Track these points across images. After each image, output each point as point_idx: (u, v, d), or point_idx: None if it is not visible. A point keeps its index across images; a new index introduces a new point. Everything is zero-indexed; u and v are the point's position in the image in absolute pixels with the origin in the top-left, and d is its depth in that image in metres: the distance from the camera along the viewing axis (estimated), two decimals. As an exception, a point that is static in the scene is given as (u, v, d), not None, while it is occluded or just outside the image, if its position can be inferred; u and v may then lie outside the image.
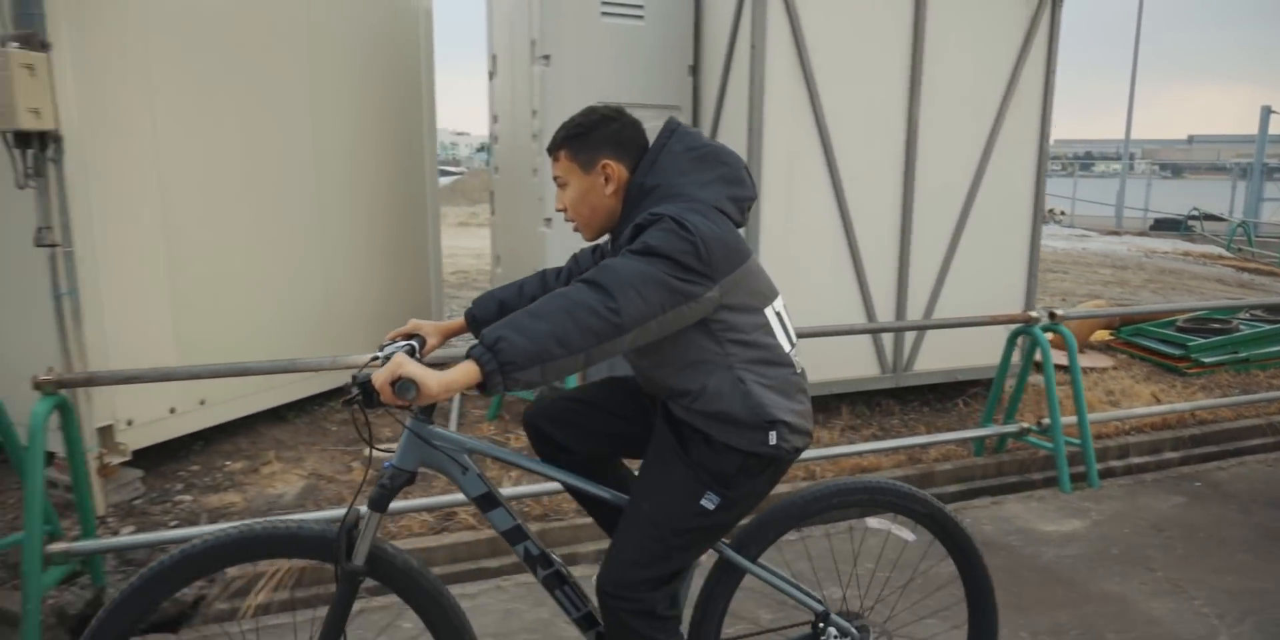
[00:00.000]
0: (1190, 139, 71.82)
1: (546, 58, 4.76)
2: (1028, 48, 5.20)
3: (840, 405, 5.26)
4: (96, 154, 3.63)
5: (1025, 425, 4.62)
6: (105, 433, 3.75)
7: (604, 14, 4.82)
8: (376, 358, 1.83)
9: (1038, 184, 5.45)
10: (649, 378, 1.90)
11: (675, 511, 1.83)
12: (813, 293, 4.89)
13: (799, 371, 1.91)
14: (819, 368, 4.95)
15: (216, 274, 4.28)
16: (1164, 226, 21.71)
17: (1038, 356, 4.58)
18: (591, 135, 1.86)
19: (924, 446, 4.69)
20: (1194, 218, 21.68)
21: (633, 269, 1.64)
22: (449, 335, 2.04)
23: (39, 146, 3.35)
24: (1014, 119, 5.26)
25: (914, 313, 5.21)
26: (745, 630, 2.28)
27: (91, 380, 3.20)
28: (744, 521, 2.04)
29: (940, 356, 5.30)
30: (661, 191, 1.83)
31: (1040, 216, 5.53)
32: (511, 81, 5.35)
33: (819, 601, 2.10)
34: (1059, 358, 5.31)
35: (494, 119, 5.71)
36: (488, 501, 1.89)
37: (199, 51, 4.12)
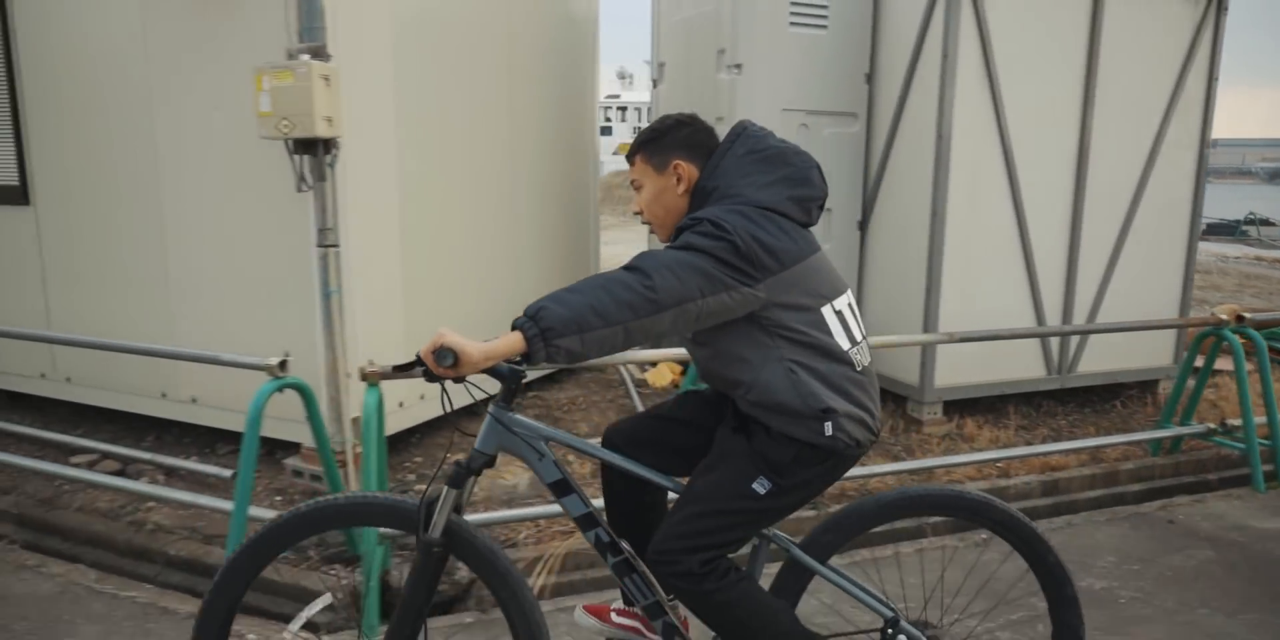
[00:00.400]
0: (1214, 143, 71.24)
1: (738, 66, 4.91)
2: (1194, 51, 5.29)
3: (1006, 406, 5.37)
4: (353, 159, 3.81)
5: (1210, 426, 4.72)
6: (354, 423, 3.93)
7: (792, 24, 4.96)
8: None
9: (1197, 190, 5.55)
10: (707, 369, 1.98)
11: (727, 490, 1.88)
12: (987, 294, 5.01)
13: (859, 369, 1.92)
14: (988, 368, 5.10)
15: (438, 272, 4.46)
16: (1217, 231, 21.59)
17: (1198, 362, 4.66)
18: (664, 139, 1.97)
19: (1104, 447, 4.80)
20: (1250, 222, 21.57)
21: (670, 256, 1.73)
22: None
23: (322, 152, 3.53)
24: (1178, 124, 5.37)
25: (1079, 316, 5.32)
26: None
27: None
28: (816, 524, 2.11)
29: (1103, 359, 5.40)
30: (720, 193, 1.90)
31: (1198, 223, 5.63)
32: (685, 88, 5.51)
33: (889, 608, 2.06)
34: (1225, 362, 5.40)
35: (658, 125, 5.86)
36: (562, 488, 1.96)
37: (431, 59, 4.30)
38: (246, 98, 3.67)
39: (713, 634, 2.00)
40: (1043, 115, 4.96)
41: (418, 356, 1.73)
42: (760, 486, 1.87)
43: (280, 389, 3.08)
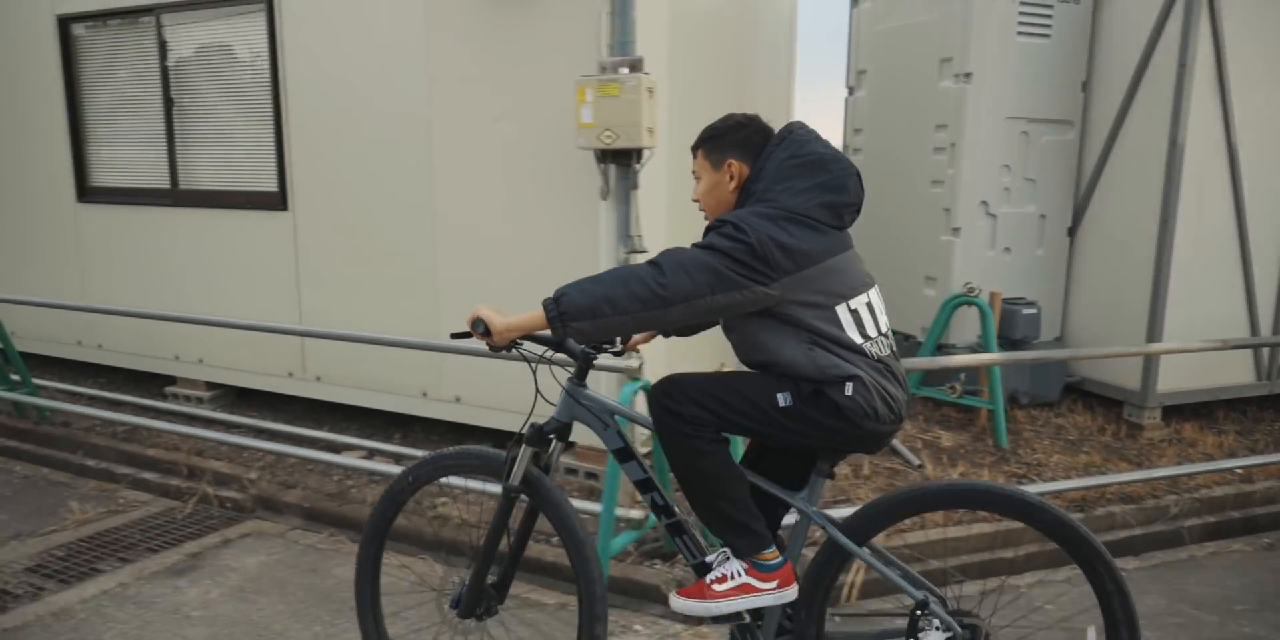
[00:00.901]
0: None
1: (967, 75, 4.98)
2: None
3: (1215, 411, 5.40)
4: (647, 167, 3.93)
5: None
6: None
7: (1020, 33, 5.03)
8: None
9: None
10: (738, 352, 2.14)
11: (757, 387, 2.05)
12: (1207, 301, 5.04)
13: (874, 358, 2.03)
14: (1204, 374, 5.13)
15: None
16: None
17: None
18: (723, 139, 2.13)
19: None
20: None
21: (689, 254, 1.90)
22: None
23: (634, 161, 3.65)
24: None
25: (1289, 323, 5.33)
26: (849, 612, 2.35)
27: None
28: (856, 507, 2.22)
29: (1313, 366, 5.41)
30: (757, 197, 2.04)
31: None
32: (892, 95, 5.58)
33: (925, 591, 2.12)
34: None
35: (855, 131, 5.95)
36: (623, 454, 2.22)
37: (692, 65, 4.40)
38: (535, 108, 3.80)
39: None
40: (1269, 123, 4.98)
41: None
42: (783, 399, 2.03)
43: (636, 391, 3.19)
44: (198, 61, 4.96)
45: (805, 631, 2.18)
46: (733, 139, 2.11)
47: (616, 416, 2.24)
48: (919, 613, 2.10)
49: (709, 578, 2.15)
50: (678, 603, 2.15)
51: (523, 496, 2.28)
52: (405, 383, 4.59)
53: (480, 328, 2.00)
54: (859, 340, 2.02)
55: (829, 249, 2.00)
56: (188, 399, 5.32)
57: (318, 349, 4.80)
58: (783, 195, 2.00)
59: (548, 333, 1.98)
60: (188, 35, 4.96)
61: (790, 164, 2.04)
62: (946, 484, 2.14)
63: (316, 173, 4.67)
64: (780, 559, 2.13)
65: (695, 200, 2.21)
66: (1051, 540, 2.06)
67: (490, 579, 2.33)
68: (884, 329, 2.10)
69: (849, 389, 1.98)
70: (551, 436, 2.26)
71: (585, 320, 1.88)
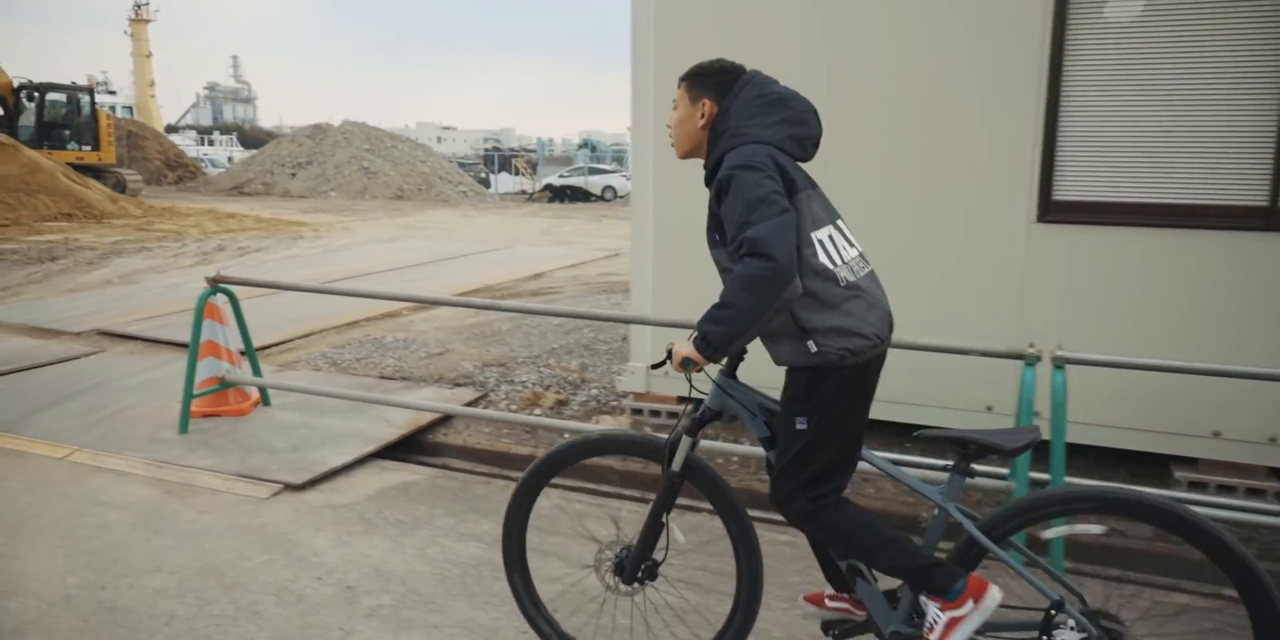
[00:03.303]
0: None
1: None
2: None
3: None
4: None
5: None
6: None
7: None
8: None
9: None
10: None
11: (787, 439, 2.25)
12: None
13: (843, 284, 2.17)
14: None
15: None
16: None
17: None
18: (706, 79, 2.33)
19: None
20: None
21: (756, 231, 2.05)
22: None
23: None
24: None
25: None
26: None
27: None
28: (998, 508, 2.31)
29: None
30: (730, 133, 2.24)
31: None
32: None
33: (1067, 594, 2.16)
34: None
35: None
36: (769, 443, 2.38)
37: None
38: None
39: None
40: None
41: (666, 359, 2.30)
42: (800, 423, 2.21)
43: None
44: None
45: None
46: (713, 81, 2.31)
47: (763, 408, 2.39)
48: (1053, 612, 2.13)
49: (927, 637, 2.22)
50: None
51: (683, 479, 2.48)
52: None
53: (691, 366, 2.18)
54: (831, 266, 2.18)
55: (799, 183, 2.22)
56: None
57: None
58: (754, 129, 2.22)
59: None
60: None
61: (757, 102, 2.25)
62: (1093, 488, 2.18)
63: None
64: (962, 581, 2.17)
65: (668, 126, 2.43)
66: (1203, 553, 2.04)
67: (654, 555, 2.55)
68: (853, 255, 2.28)
69: (812, 346, 2.15)
70: (705, 425, 2.45)
71: (733, 342, 2.11)
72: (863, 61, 4.47)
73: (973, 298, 4.41)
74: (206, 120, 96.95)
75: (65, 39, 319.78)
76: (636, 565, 2.53)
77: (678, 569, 3.01)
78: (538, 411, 5.34)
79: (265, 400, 5.41)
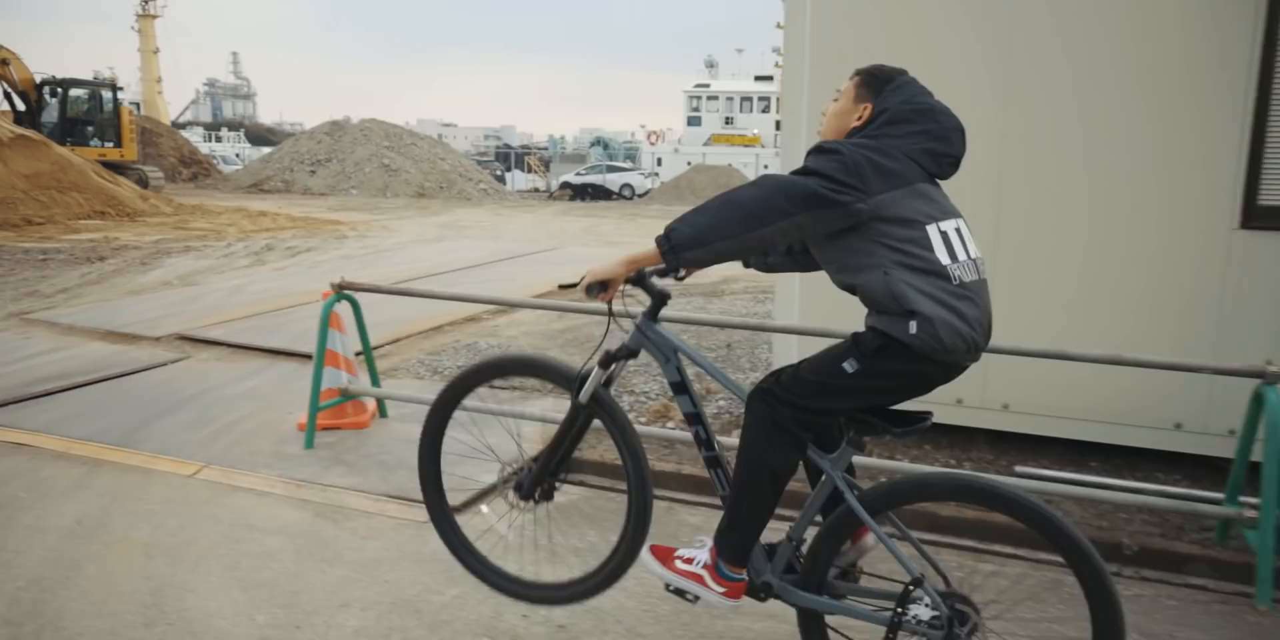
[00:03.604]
0: None
1: None
2: None
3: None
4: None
5: None
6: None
7: None
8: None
9: None
10: (836, 280, 2.25)
11: (824, 362, 2.19)
12: None
13: (957, 283, 2.08)
14: None
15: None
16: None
17: None
18: (876, 84, 2.25)
19: None
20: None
21: (787, 178, 2.05)
22: None
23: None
24: None
25: None
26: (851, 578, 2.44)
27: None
28: (877, 481, 2.35)
29: None
30: (867, 135, 2.19)
31: None
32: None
33: (925, 570, 2.22)
34: None
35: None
36: (678, 388, 2.45)
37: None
38: None
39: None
40: None
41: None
42: (849, 365, 2.14)
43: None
44: None
45: (809, 577, 2.33)
46: (884, 88, 2.24)
47: (679, 353, 2.46)
48: (911, 588, 2.19)
49: (680, 551, 2.41)
50: (644, 556, 2.43)
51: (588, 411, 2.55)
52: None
53: (595, 290, 2.22)
54: (946, 261, 2.09)
55: (920, 177, 2.15)
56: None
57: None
58: (891, 137, 2.16)
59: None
60: None
61: (905, 108, 2.19)
62: (970, 479, 2.23)
63: None
64: (742, 576, 2.32)
65: (822, 113, 2.38)
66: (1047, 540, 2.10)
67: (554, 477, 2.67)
68: (973, 255, 2.18)
69: (913, 327, 2.05)
70: (617, 361, 2.50)
71: (696, 249, 2.05)
72: (1046, 54, 4.20)
73: (1165, 309, 4.15)
74: (206, 116, 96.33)
75: (70, 35, 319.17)
76: (535, 484, 2.65)
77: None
78: (670, 424, 5.08)
79: (382, 412, 5.16)
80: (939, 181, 2.24)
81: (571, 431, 2.57)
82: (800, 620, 2.39)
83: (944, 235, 2.12)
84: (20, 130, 17.02)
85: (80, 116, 23.19)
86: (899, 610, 2.20)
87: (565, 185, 32.01)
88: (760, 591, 2.38)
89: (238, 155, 45.45)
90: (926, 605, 2.17)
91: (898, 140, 2.14)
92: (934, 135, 2.17)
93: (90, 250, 12.02)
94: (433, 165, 29.95)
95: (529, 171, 43.56)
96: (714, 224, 2.03)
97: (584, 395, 2.50)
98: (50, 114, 22.74)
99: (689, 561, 2.36)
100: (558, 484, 2.68)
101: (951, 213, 2.18)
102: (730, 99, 52.74)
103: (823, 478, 2.32)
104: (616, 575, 2.60)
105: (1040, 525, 2.09)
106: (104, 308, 8.15)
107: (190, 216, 17.34)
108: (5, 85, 22.16)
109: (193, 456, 4.48)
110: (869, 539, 2.37)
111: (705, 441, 2.44)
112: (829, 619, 2.37)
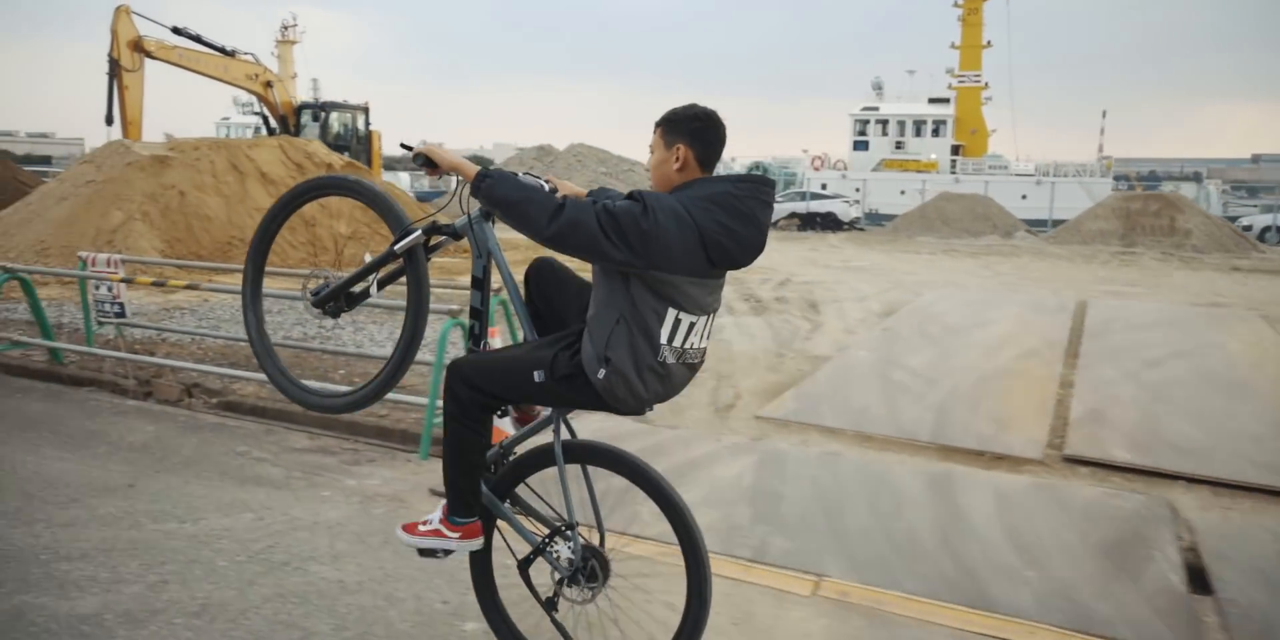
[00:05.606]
0: (1255, 158, 65.98)
1: None
2: None
3: None
4: None
5: None
6: None
7: None
8: None
9: None
10: (594, 282, 2.43)
11: (521, 362, 2.46)
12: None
13: (660, 360, 2.33)
14: None
15: None
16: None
17: None
18: (678, 125, 2.39)
19: None
20: None
21: (588, 215, 2.23)
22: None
23: None
24: None
25: None
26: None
27: None
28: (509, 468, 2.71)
29: None
30: (687, 194, 2.33)
31: None
32: None
33: (597, 532, 2.62)
34: None
35: None
36: (476, 283, 2.65)
37: None
38: None
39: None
40: None
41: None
42: (538, 376, 2.41)
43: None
44: None
45: (500, 483, 2.68)
46: (687, 128, 2.37)
47: (490, 256, 2.63)
48: (565, 529, 2.56)
49: (418, 523, 2.63)
50: (398, 534, 2.64)
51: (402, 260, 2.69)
52: None
53: (420, 160, 2.56)
54: (662, 341, 2.32)
55: (693, 263, 2.28)
56: None
57: None
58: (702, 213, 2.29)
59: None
60: None
61: (723, 199, 2.29)
62: (568, 444, 2.60)
63: None
64: (472, 519, 2.58)
65: (647, 170, 2.60)
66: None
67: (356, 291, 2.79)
68: (691, 346, 2.38)
69: (602, 373, 2.32)
70: (440, 237, 2.65)
71: (489, 202, 2.37)
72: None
73: None
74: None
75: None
76: (329, 298, 2.77)
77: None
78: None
79: None
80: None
81: (377, 270, 2.69)
82: (481, 515, 2.65)
83: (677, 323, 2.32)
84: (347, 159, 15.83)
85: (337, 139, 22.31)
86: (547, 539, 2.58)
87: (793, 214, 29.51)
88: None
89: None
90: (569, 549, 2.54)
91: (704, 213, 2.33)
92: (737, 235, 2.36)
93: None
94: (658, 192, 28.26)
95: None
96: (516, 204, 2.31)
97: (400, 246, 2.59)
98: (308, 136, 21.83)
99: (426, 523, 2.61)
100: (345, 308, 2.79)
101: (703, 309, 2.37)
102: (902, 123, 50.55)
103: (550, 411, 2.61)
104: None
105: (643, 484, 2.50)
106: (833, 400, 6.03)
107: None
108: (265, 107, 21.37)
109: None
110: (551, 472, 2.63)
111: (476, 338, 2.69)
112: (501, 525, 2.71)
